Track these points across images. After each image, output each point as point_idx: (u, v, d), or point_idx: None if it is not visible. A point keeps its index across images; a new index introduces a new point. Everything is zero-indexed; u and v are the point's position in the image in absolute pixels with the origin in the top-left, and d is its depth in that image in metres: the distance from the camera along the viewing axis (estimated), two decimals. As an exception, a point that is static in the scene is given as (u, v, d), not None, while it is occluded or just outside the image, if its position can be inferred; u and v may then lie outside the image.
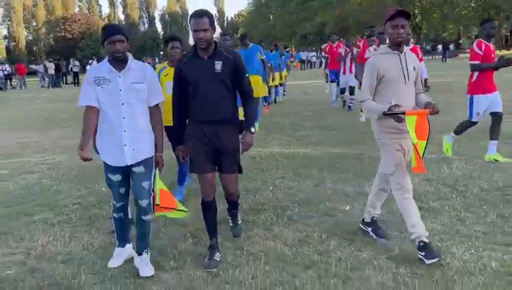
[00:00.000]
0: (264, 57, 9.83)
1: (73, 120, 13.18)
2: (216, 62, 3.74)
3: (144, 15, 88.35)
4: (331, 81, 14.37)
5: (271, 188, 5.96)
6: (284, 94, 18.12)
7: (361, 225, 4.43)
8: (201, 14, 3.67)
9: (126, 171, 3.75)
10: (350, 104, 12.86)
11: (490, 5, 49.88)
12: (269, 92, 13.88)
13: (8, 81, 37.57)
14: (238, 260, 3.98)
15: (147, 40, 74.92)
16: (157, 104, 3.82)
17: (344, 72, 12.76)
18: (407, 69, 3.87)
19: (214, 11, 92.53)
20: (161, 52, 62.95)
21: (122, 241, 4.08)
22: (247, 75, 3.93)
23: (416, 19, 55.05)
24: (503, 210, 4.78)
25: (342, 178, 6.26)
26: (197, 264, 3.92)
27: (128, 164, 3.68)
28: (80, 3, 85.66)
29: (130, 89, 3.62)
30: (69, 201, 5.86)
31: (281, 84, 16.99)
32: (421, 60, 8.37)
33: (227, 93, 3.80)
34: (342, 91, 13.37)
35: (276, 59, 15.43)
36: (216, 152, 3.84)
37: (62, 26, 72.29)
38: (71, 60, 41.28)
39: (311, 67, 48.33)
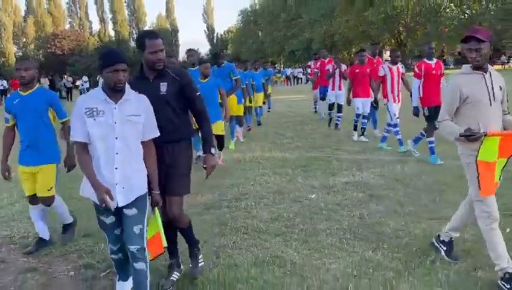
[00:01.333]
0: (237, 77, 9.51)
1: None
2: (161, 84, 3.63)
3: (133, 31, 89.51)
4: (321, 99, 14.43)
5: (252, 183, 7.10)
6: (268, 110, 17.89)
7: (434, 242, 4.31)
8: (157, 35, 3.61)
9: (119, 212, 3.38)
10: (337, 122, 12.60)
11: (472, 23, 51.71)
12: (249, 112, 13.04)
13: (3, 96, 38.65)
14: (222, 232, 5.10)
15: (136, 56, 76.02)
16: (151, 139, 3.47)
17: (333, 89, 12.60)
18: (492, 90, 3.71)
19: (203, 27, 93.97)
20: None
21: (124, 276, 3.75)
22: (198, 93, 3.81)
23: (401, 36, 56.95)
24: (436, 197, 5.98)
25: (311, 175, 7.45)
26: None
27: (120, 206, 3.30)
28: (70, 20, 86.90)
29: (126, 122, 3.25)
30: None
31: (264, 103, 15.66)
32: (403, 75, 9.34)
33: (173, 115, 3.68)
34: (330, 107, 13.06)
35: (261, 79, 14.55)
36: (163, 173, 3.68)
37: (52, 43, 73.15)
38: (64, 76, 42.49)
39: (297, 83, 49.77)
